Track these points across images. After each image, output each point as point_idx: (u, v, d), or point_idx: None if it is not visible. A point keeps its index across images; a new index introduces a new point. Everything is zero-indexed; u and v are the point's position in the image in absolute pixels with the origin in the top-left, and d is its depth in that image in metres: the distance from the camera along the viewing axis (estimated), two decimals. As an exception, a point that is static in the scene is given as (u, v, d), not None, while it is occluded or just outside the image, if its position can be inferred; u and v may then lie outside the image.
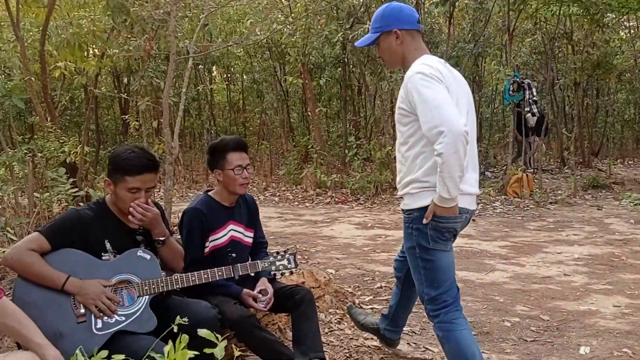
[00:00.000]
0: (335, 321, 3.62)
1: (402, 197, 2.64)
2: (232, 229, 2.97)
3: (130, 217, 2.45)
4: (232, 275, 2.67)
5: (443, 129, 2.25)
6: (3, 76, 13.28)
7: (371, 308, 3.95)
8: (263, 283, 2.92)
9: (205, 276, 2.59)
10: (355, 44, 2.91)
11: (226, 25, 12.17)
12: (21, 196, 5.62)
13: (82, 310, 2.32)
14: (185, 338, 1.84)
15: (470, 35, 11.48)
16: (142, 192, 2.45)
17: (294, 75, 12.50)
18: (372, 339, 3.33)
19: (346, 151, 10.57)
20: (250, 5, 11.19)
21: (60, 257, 2.34)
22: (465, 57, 11.07)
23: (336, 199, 9.50)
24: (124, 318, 2.37)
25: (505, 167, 10.68)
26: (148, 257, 2.48)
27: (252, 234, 3.09)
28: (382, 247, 6.00)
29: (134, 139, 13.37)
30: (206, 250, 2.90)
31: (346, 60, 12.93)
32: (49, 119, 7.66)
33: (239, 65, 15.91)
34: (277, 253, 2.85)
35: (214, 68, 16.54)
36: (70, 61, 7.45)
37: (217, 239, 2.91)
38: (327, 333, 3.43)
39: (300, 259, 5.67)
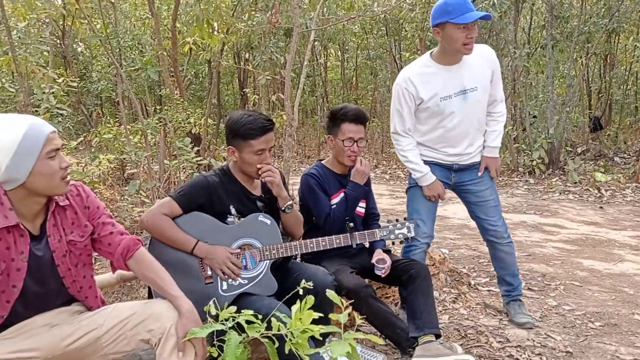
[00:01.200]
0: (450, 300, 3.56)
1: (470, 154, 3.12)
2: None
3: (263, 177, 2.53)
4: (350, 243, 2.69)
5: None
6: (137, 51, 14.27)
7: (488, 290, 3.84)
8: (380, 253, 2.93)
9: (324, 243, 2.64)
10: (485, 18, 2.82)
11: (344, 1, 12.14)
12: (153, 162, 6.03)
13: (209, 273, 2.46)
14: (310, 299, 1.89)
15: (604, 9, 10.60)
16: (266, 152, 2.52)
17: (410, 51, 12.28)
18: (488, 319, 3.24)
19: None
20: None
21: (189, 221, 2.48)
22: (597, 33, 10.27)
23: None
24: (247, 281, 2.48)
25: (637, 152, 9.86)
26: (268, 222, 2.56)
27: (364, 205, 3.10)
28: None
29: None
30: None
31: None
32: (177, 91, 8.13)
33: (354, 41, 15.86)
34: (397, 221, 2.83)
35: (329, 45, 16.64)
36: (198, 37, 7.83)
37: (334, 204, 2.95)
38: (440, 312, 3.38)
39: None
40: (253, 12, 6.85)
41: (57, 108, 5.96)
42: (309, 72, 16.39)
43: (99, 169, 5.71)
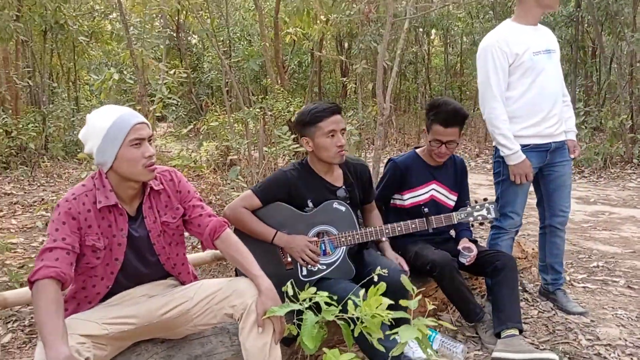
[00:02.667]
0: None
1: (561, 129, 3.10)
2: (433, 189, 3.00)
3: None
4: (426, 228, 2.70)
5: None
6: (245, 42, 14.85)
7: (583, 287, 3.68)
8: (466, 241, 2.92)
9: (399, 229, 2.67)
10: None
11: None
12: (254, 149, 6.32)
13: (290, 259, 2.58)
14: (382, 286, 1.96)
15: None
16: (338, 133, 2.55)
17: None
18: (577, 317, 3.12)
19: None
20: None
21: (269, 211, 2.61)
22: None
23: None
24: (325, 267, 2.58)
25: None
26: (343, 209, 2.62)
27: (455, 197, 3.07)
28: (604, 225, 5.48)
29: (351, 102, 13.95)
30: (407, 203, 2.98)
31: (580, 18, 11.75)
32: (279, 81, 8.42)
33: (459, 27, 15.43)
34: (476, 202, 2.80)
35: (432, 31, 16.33)
36: (299, 27, 8.05)
37: (416, 196, 2.97)
38: (530, 306, 3.31)
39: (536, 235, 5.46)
40: (350, 2, 6.91)
41: (169, 98, 6.40)
42: (411, 59, 16.20)
43: (204, 155, 6.08)
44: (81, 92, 13.94)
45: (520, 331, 2.70)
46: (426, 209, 2.80)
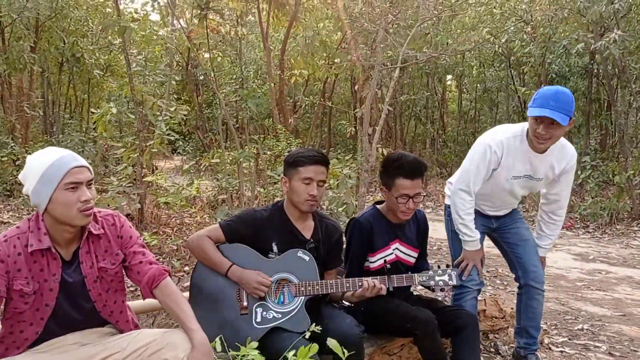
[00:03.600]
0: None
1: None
2: (397, 248, 2.89)
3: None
4: (387, 286, 2.60)
5: None
6: (259, 81, 15.06)
7: (560, 351, 3.51)
8: None
9: (360, 284, 2.58)
10: (557, 119, 2.67)
11: (460, 34, 11.93)
12: (246, 189, 6.30)
13: (245, 304, 2.52)
14: (314, 347, 1.87)
15: None
16: (314, 183, 2.53)
17: (532, 86, 11.75)
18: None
19: (578, 172, 9.55)
20: (487, 13, 10.86)
21: (232, 250, 2.58)
22: None
23: (560, 224, 8.64)
24: (280, 315, 2.50)
25: None
26: (307, 258, 2.56)
27: (416, 254, 2.97)
28: (598, 285, 5.30)
29: (352, 143, 13.94)
30: (376, 265, 2.87)
31: (595, 71, 11.70)
32: (282, 121, 8.46)
33: (472, 75, 15.48)
34: (438, 267, 2.70)
35: (448, 77, 16.39)
36: (303, 69, 8.13)
37: (383, 257, 2.85)
38: (501, 369, 3.17)
39: (499, 284, 5.32)
40: (349, 48, 6.98)
41: (167, 135, 6.45)
42: (425, 104, 16.24)
43: (196, 193, 6.06)
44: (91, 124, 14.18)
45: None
46: (389, 266, 2.72)
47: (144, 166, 6.24)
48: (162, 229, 6.32)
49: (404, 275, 2.67)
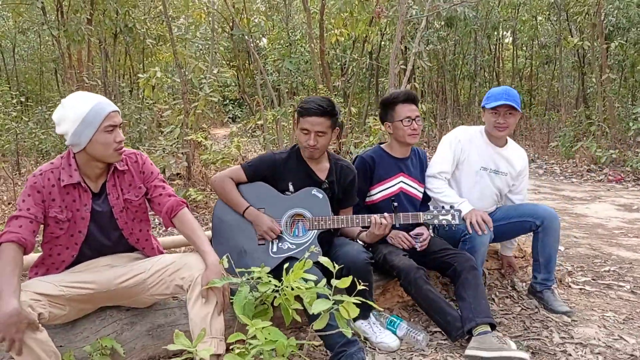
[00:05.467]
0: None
1: None
2: (401, 181, 3.06)
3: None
4: (393, 222, 2.77)
5: None
6: (305, 45, 15.14)
7: (580, 289, 3.58)
8: (422, 229, 2.97)
9: (369, 220, 2.76)
10: (514, 104, 3.06)
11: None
12: (285, 144, 6.51)
13: None
14: (309, 263, 2.09)
15: None
16: (311, 134, 2.71)
17: (586, 37, 11.30)
18: (559, 316, 3.08)
19: (630, 124, 9.22)
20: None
21: (251, 187, 2.82)
22: None
23: (610, 177, 8.45)
24: (295, 247, 2.72)
25: None
26: (321, 196, 2.77)
27: (422, 189, 3.13)
28: (637, 232, 5.23)
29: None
30: (377, 197, 3.06)
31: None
32: (324, 82, 8.58)
33: (525, 29, 14.95)
34: (442, 207, 2.84)
35: (495, 33, 15.84)
36: (343, 28, 8.18)
37: (385, 189, 3.04)
38: (515, 303, 3.29)
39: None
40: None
41: (211, 96, 6.72)
42: (476, 62, 15.88)
43: (233, 149, 6.33)
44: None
45: (493, 326, 2.69)
46: (395, 203, 2.88)
47: (190, 127, 6.55)
48: (209, 186, 6.66)
49: (410, 213, 2.84)
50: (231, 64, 12.41)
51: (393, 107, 3.00)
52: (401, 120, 2.98)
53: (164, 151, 6.30)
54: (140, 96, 13.08)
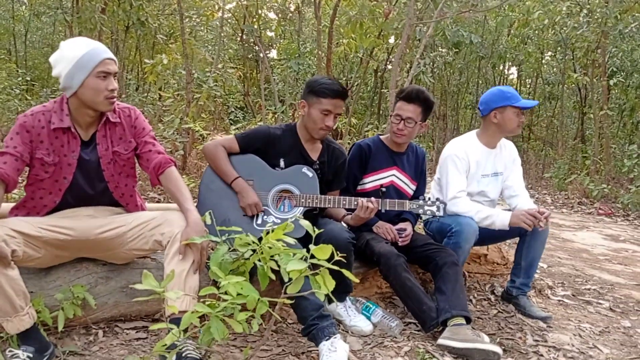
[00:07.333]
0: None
1: None
2: (394, 174, 3.08)
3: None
4: (379, 207, 2.79)
5: None
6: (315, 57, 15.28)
7: (558, 300, 3.59)
8: (406, 225, 2.98)
9: (355, 202, 2.78)
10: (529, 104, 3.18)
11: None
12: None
13: None
14: (290, 226, 2.09)
15: None
16: (331, 115, 2.74)
17: (584, 74, 11.42)
18: (535, 321, 3.09)
19: (625, 161, 9.27)
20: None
21: (243, 159, 2.83)
22: None
23: (600, 211, 8.48)
24: (279, 221, 2.73)
25: None
26: (310, 174, 2.79)
27: (414, 187, 3.15)
28: (621, 259, 5.24)
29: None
30: (368, 187, 3.07)
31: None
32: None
33: (529, 63, 15.09)
34: (429, 199, 2.86)
35: (500, 62, 15.94)
36: (352, 38, 8.27)
37: (378, 179, 3.06)
38: (492, 306, 3.30)
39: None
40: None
41: (213, 89, 6.77)
42: (477, 91, 16.00)
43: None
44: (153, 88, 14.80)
45: (468, 320, 2.69)
46: (384, 189, 2.90)
47: (190, 117, 6.59)
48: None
49: (396, 200, 2.85)
50: (238, 67, 12.47)
51: (398, 100, 3.03)
52: (392, 117, 3.02)
53: (163, 139, 6.32)
54: (145, 92, 13.16)
